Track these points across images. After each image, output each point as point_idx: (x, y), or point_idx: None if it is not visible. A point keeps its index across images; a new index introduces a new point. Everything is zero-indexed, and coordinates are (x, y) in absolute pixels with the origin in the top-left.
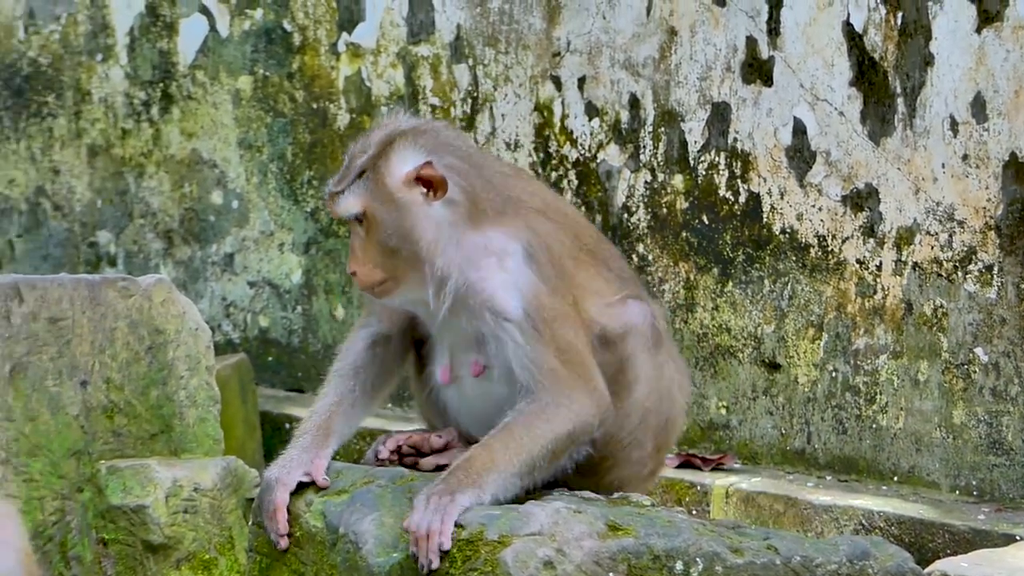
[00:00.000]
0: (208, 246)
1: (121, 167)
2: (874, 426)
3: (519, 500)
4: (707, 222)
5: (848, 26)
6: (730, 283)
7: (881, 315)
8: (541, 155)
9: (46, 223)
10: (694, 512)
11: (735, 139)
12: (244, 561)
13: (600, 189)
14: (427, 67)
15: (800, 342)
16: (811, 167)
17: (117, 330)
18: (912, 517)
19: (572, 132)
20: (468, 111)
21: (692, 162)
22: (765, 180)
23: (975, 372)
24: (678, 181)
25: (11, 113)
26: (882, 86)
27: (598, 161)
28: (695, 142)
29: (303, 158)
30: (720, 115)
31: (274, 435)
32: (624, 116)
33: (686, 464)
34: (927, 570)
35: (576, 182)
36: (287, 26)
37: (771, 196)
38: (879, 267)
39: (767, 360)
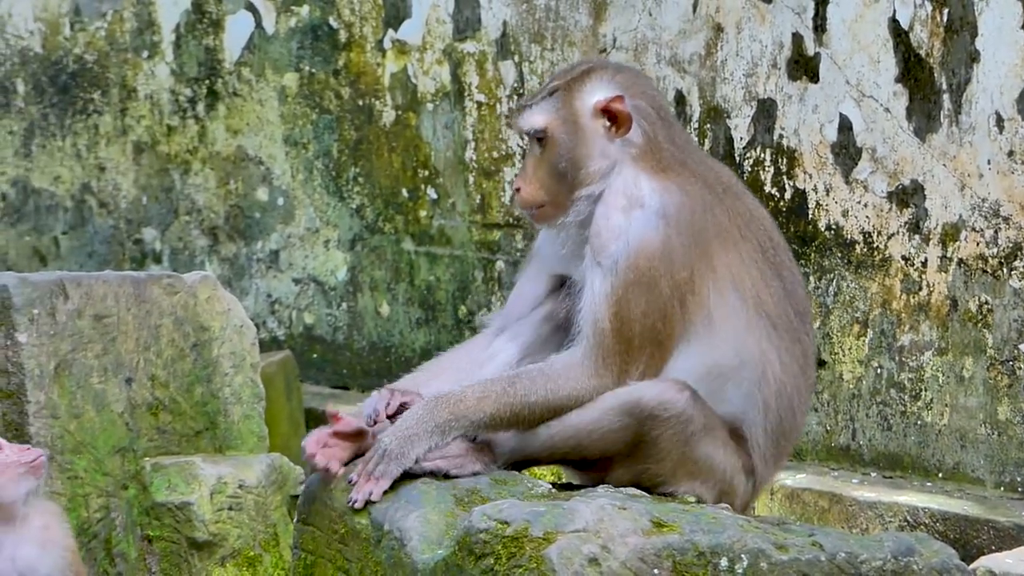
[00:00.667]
0: (253, 243)
1: (167, 164)
2: (919, 422)
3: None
4: None
5: (894, 22)
6: None
7: (926, 311)
8: None
9: (91, 220)
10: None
11: (781, 135)
12: (288, 558)
13: None
14: (473, 64)
15: (845, 339)
16: (857, 163)
17: (162, 327)
18: (957, 513)
19: None
20: (514, 108)
21: (738, 158)
22: (811, 176)
23: (1020, 368)
24: None
25: (57, 110)
26: (928, 82)
27: None
28: (741, 138)
29: (349, 155)
30: (766, 111)
31: None
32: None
33: None
34: (972, 566)
35: None
36: (333, 23)
37: (817, 192)
38: (924, 263)
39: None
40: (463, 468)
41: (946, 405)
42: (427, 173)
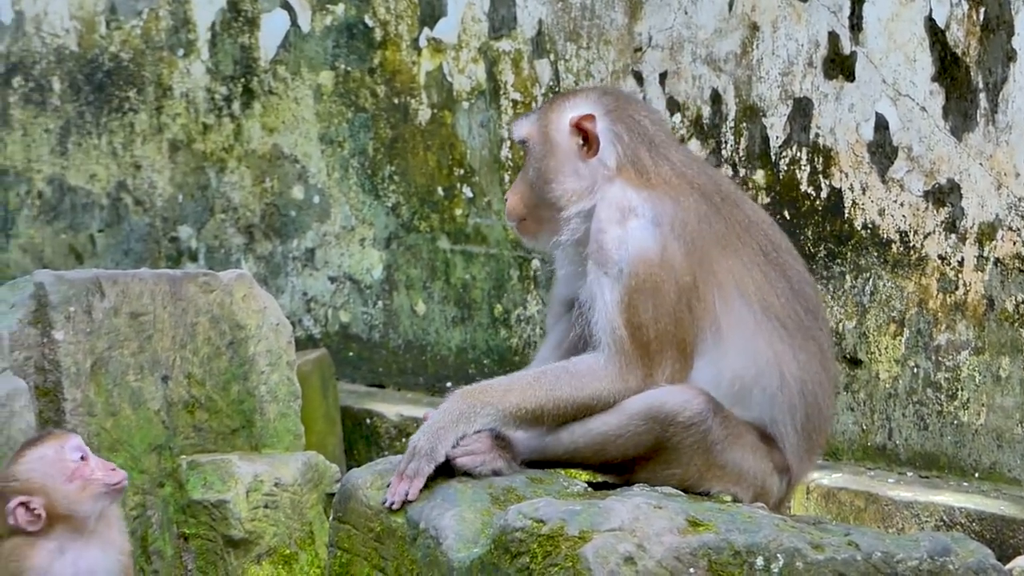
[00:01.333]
0: (289, 241)
1: (202, 162)
2: (955, 422)
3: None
4: (789, 217)
5: (930, 21)
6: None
7: (963, 311)
8: None
9: (127, 218)
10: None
11: (817, 134)
12: (324, 556)
13: None
14: (508, 62)
15: (881, 338)
16: (893, 162)
17: (198, 325)
18: (993, 513)
19: None
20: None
21: (774, 157)
22: (847, 175)
23: None
24: (760, 176)
25: (93, 108)
26: (964, 81)
27: None
28: (777, 137)
29: (384, 153)
30: (802, 110)
31: (354, 430)
32: (706, 111)
33: None
34: (1008, 566)
35: None
36: (368, 21)
37: (853, 191)
38: (961, 263)
39: (848, 356)
40: (485, 466)
41: (983, 405)
42: (463, 171)
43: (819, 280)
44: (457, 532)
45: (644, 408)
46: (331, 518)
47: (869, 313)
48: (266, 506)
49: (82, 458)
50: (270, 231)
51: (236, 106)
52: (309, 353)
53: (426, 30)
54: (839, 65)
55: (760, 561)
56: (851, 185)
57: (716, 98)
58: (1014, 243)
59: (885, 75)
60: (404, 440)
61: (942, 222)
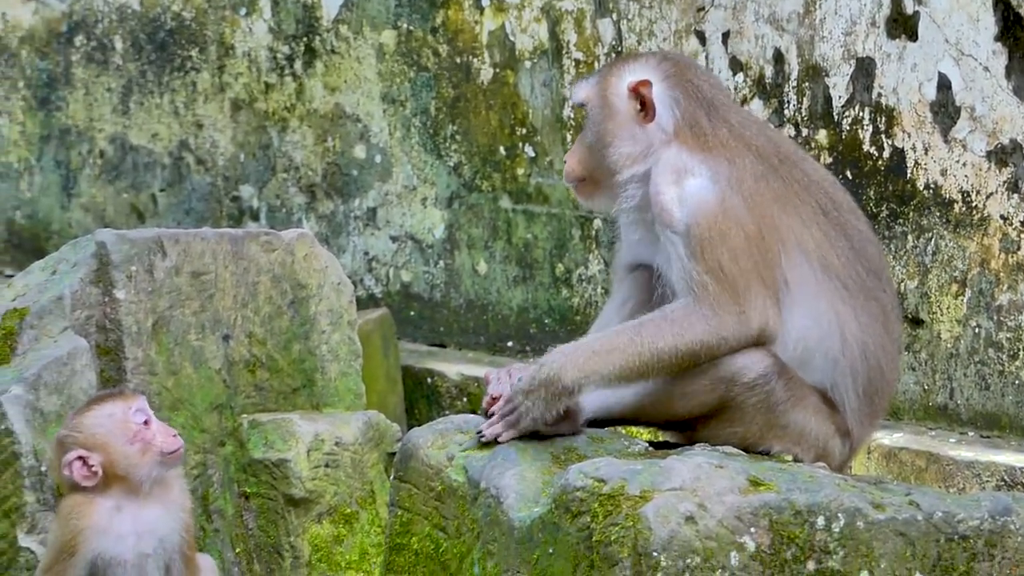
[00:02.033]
0: (351, 200)
1: (264, 121)
2: (1017, 382)
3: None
4: (851, 177)
5: None
6: None
7: None
8: None
9: (189, 177)
10: None
11: (879, 94)
12: (385, 515)
13: None
14: (571, 21)
15: (943, 298)
16: (955, 122)
17: (260, 284)
18: None
19: None
20: None
21: (836, 117)
22: (909, 135)
23: None
24: (822, 136)
25: (155, 67)
26: None
27: None
28: (839, 97)
29: (446, 112)
30: (864, 70)
31: (416, 389)
32: (768, 71)
33: None
34: None
35: None
36: None
37: (915, 152)
38: (1023, 223)
39: (910, 316)
40: (558, 428)
41: None
42: (524, 131)
43: (881, 240)
44: (518, 491)
45: (710, 367)
46: (392, 477)
47: (931, 273)
48: (327, 465)
49: (145, 422)
50: (332, 190)
51: (298, 65)
52: (370, 312)
53: None
54: (902, 25)
55: (821, 521)
56: (913, 145)
57: (779, 58)
58: None
59: (948, 35)
60: (465, 400)
61: (1004, 182)
